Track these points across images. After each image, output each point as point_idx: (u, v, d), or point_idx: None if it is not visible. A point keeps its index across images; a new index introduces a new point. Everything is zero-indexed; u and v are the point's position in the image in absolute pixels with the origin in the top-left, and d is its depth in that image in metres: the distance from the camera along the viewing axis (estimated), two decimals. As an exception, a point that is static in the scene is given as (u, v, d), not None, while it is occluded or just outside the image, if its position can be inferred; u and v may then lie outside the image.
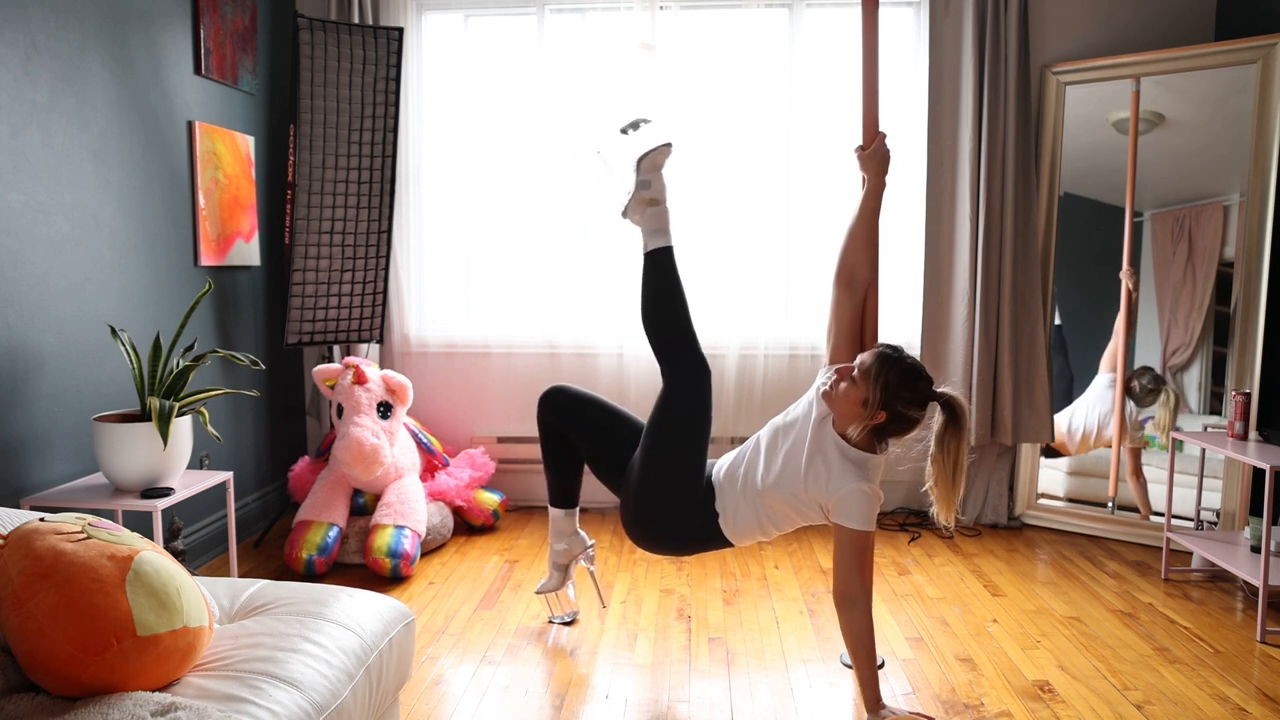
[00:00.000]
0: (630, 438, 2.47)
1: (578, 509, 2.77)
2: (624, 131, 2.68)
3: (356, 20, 3.81)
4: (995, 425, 3.77)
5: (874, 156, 2.39)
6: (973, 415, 3.74)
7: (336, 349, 3.99)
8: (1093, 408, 3.73)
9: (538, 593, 2.82)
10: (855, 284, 2.34)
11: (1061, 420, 3.80)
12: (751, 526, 2.31)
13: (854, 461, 2.16)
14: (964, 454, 2.11)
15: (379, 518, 3.29)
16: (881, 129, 2.43)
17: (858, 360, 2.15)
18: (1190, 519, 3.44)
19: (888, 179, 2.41)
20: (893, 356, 2.12)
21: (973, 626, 2.84)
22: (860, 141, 2.46)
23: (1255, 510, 3.23)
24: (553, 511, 2.74)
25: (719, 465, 2.39)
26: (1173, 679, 2.47)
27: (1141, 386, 3.60)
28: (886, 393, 2.08)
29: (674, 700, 2.38)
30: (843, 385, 2.14)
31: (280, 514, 3.75)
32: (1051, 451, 3.85)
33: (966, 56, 3.71)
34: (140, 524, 2.86)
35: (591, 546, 2.81)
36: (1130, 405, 3.63)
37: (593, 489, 3.67)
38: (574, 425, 2.55)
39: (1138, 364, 3.63)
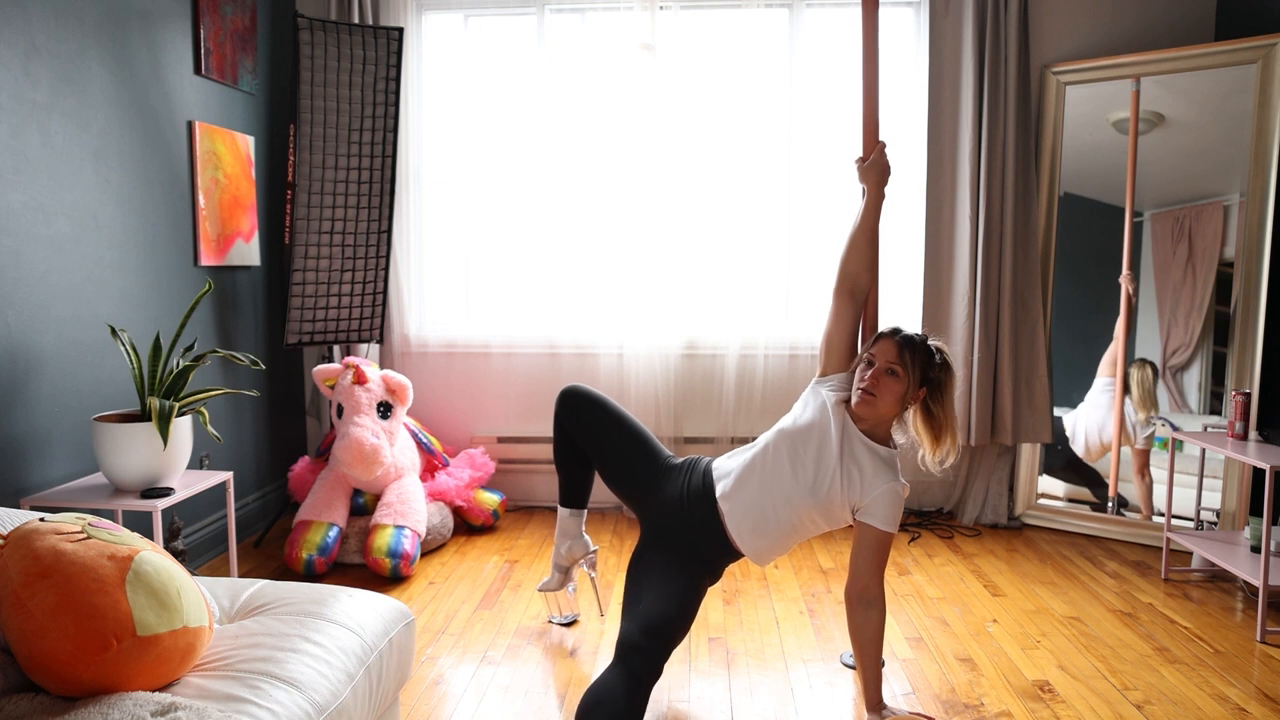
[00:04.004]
0: (639, 453, 2.41)
1: (585, 511, 2.75)
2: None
3: (356, 20, 3.81)
4: (995, 425, 3.77)
5: (873, 168, 2.38)
6: (973, 415, 3.75)
7: (336, 349, 3.99)
8: (1093, 413, 3.73)
9: (539, 590, 2.82)
10: (856, 293, 2.33)
11: (1069, 423, 3.80)
12: (777, 542, 2.22)
13: (885, 460, 2.16)
14: (952, 401, 2.20)
15: (379, 518, 3.29)
16: (881, 138, 2.42)
17: (880, 356, 2.15)
18: (1190, 519, 3.44)
19: (887, 190, 2.40)
20: (905, 336, 2.17)
21: (973, 626, 2.84)
22: (860, 150, 2.45)
23: (1255, 510, 3.23)
24: (560, 511, 2.73)
25: (723, 483, 2.24)
26: (1173, 679, 2.47)
27: (1139, 365, 3.61)
28: (921, 370, 2.15)
29: (674, 700, 2.38)
30: (883, 385, 2.13)
31: (280, 514, 3.75)
32: (1052, 462, 3.85)
33: (966, 56, 3.71)
34: (140, 524, 2.86)
35: (594, 552, 2.80)
36: (1130, 409, 3.63)
37: (598, 490, 3.66)
38: (583, 430, 2.49)
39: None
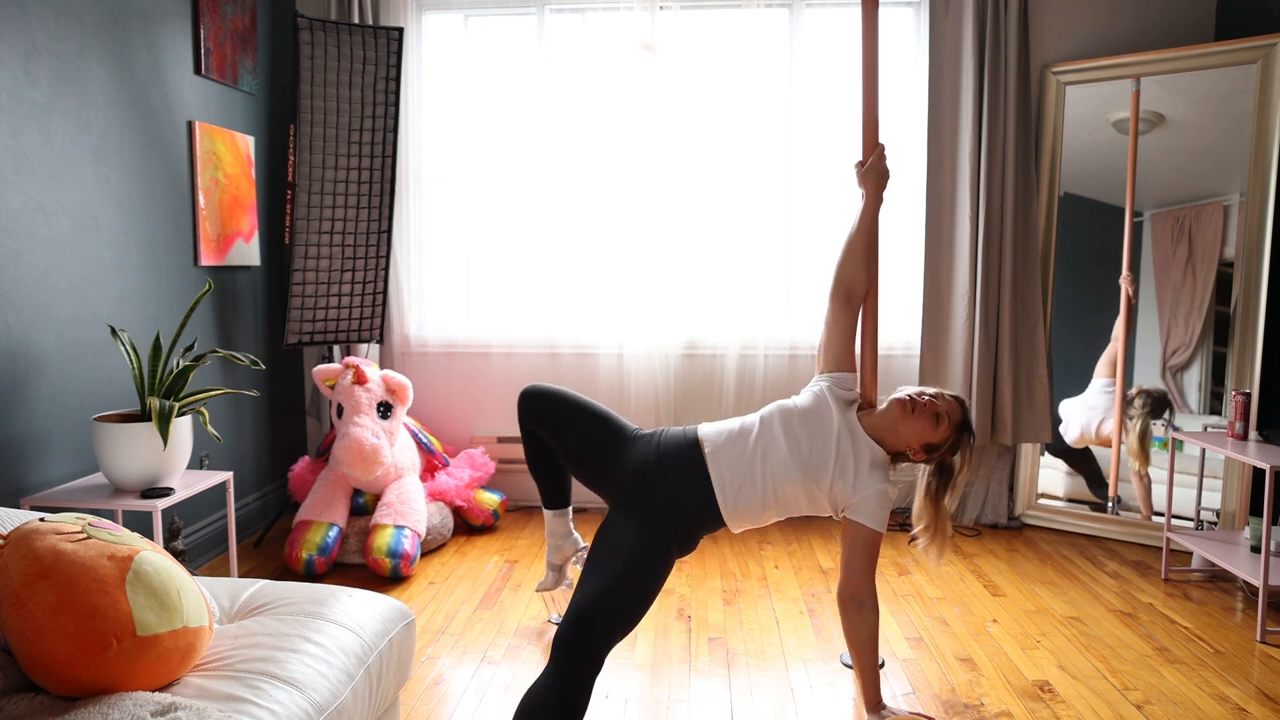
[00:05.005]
0: (603, 431, 2.28)
1: (569, 509, 2.71)
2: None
3: (356, 20, 3.81)
4: (995, 425, 3.77)
5: (871, 172, 2.37)
6: (973, 415, 3.74)
7: (336, 349, 3.99)
8: (1089, 413, 3.73)
9: (537, 591, 2.81)
10: (853, 299, 2.32)
11: (1062, 412, 3.80)
12: (755, 508, 2.14)
13: (879, 462, 2.16)
14: (948, 508, 2.23)
15: (379, 518, 3.29)
16: (881, 141, 2.40)
17: (946, 404, 2.18)
18: (1190, 519, 3.44)
19: (886, 194, 2.39)
20: (968, 418, 2.22)
21: (973, 626, 2.84)
22: (859, 154, 2.44)
23: (1255, 510, 3.23)
24: (545, 513, 2.71)
25: (713, 439, 2.18)
26: (1173, 679, 2.47)
27: (1148, 399, 3.59)
28: (952, 444, 2.19)
29: (674, 700, 2.38)
30: (924, 412, 2.15)
31: (280, 514, 3.75)
32: (1055, 449, 3.85)
33: (966, 56, 3.71)
34: (140, 524, 2.86)
35: (584, 549, 2.79)
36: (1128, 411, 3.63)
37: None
38: (547, 428, 2.34)
39: (1136, 366, 3.63)
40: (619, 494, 2.20)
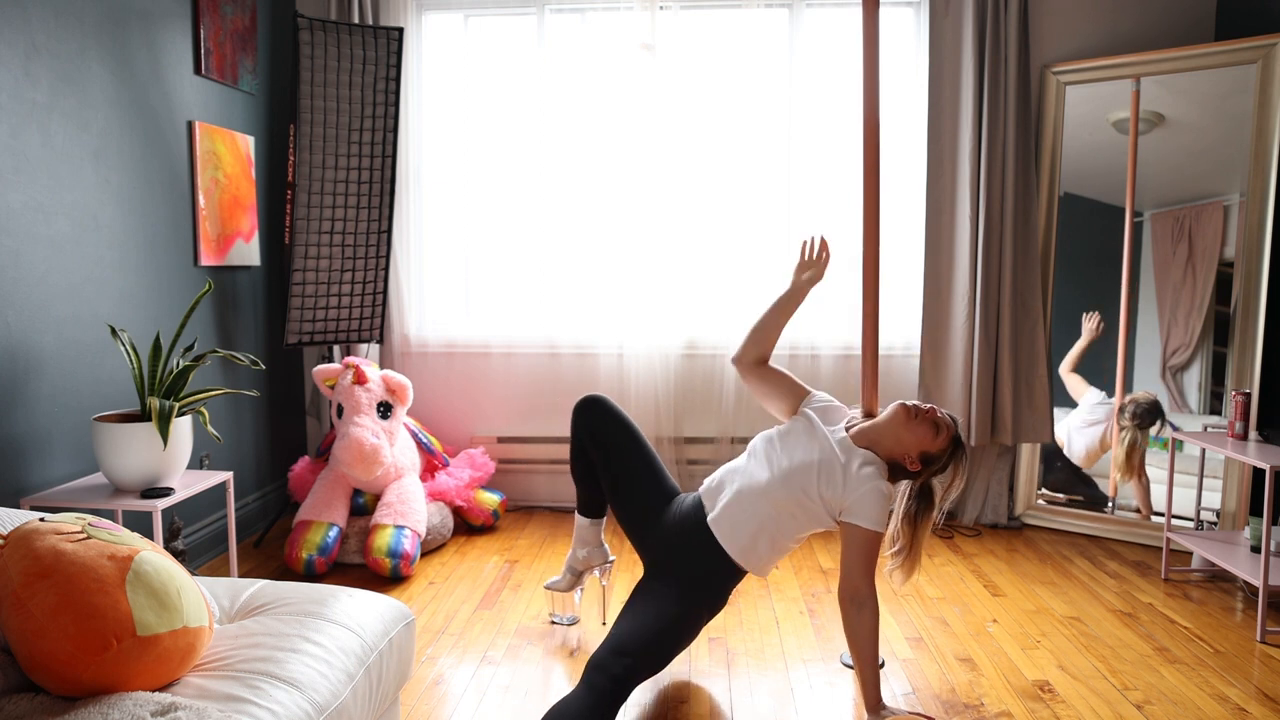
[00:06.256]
0: (653, 481, 2.42)
1: (604, 520, 2.70)
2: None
3: (356, 20, 3.81)
4: (995, 425, 3.77)
5: (814, 266, 2.40)
6: (973, 415, 3.75)
7: (336, 349, 3.99)
8: (1087, 425, 3.73)
9: (546, 587, 2.80)
10: (758, 365, 2.40)
11: (1060, 435, 3.80)
12: (759, 540, 2.23)
13: (869, 462, 2.18)
14: (925, 532, 2.28)
15: (379, 518, 3.29)
16: (824, 237, 2.41)
17: (945, 417, 2.23)
18: (1190, 519, 3.44)
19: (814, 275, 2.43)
20: (961, 436, 2.26)
21: (973, 626, 2.84)
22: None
23: (1255, 510, 3.23)
24: (579, 519, 2.68)
25: (706, 488, 2.36)
26: (1173, 679, 2.47)
27: (1136, 410, 3.59)
28: (944, 460, 2.22)
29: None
30: (927, 423, 2.19)
31: (280, 514, 3.75)
32: (1053, 483, 3.85)
33: (966, 56, 3.71)
34: (140, 524, 2.86)
35: (611, 562, 2.79)
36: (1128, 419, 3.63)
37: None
38: (599, 447, 2.44)
39: (1136, 367, 3.63)
40: (651, 553, 2.35)
